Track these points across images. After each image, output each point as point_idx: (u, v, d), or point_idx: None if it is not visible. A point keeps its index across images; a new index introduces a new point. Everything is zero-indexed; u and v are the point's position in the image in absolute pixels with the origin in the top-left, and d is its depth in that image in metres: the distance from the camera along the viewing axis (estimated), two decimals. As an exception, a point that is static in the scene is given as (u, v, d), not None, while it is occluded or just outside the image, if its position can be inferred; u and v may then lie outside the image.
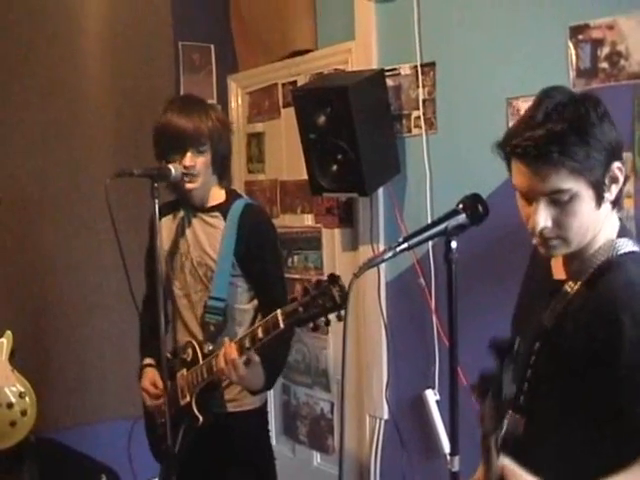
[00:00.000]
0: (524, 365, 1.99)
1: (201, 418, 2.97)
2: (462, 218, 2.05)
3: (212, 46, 5.17)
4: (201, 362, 2.98)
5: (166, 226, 3.21)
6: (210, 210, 3.12)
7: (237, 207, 3.08)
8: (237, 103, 5.22)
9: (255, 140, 5.07)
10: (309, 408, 4.70)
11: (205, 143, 3.00)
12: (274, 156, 4.92)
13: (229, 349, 2.75)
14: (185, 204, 3.17)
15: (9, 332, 3.84)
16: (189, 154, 2.98)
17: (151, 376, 3.16)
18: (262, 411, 3.24)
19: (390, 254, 1.99)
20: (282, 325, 2.60)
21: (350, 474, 4.32)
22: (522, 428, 1.99)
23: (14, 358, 3.86)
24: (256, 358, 2.79)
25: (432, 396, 3.78)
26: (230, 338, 2.82)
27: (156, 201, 2.89)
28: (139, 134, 4.59)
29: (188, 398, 3.01)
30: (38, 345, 4.45)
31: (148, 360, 3.24)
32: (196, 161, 2.99)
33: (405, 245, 1.99)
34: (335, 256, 4.42)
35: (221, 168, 3.13)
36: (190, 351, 3.05)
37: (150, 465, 3.38)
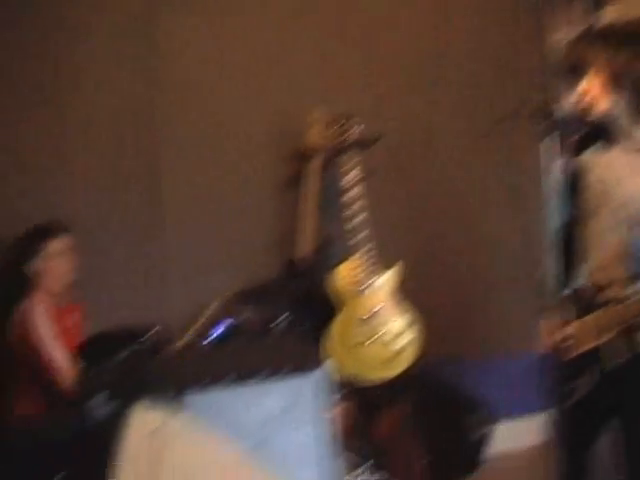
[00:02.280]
0: None
1: (618, 359, 2.89)
2: None
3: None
4: (625, 301, 2.86)
5: (592, 155, 3.04)
6: None
7: None
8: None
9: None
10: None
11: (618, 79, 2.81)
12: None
13: None
14: (612, 139, 2.99)
15: (400, 262, 3.96)
16: (585, 79, 2.84)
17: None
18: None
19: None
20: None
21: None
22: None
23: (402, 289, 4.01)
24: None
25: None
26: None
27: (547, 140, 2.85)
28: (502, 75, 4.66)
29: (607, 337, 2.92)
30: (426, 276, 4.56)
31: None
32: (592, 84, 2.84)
33: None
34: None
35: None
36: (612, 290, 2.92)
37: (521, 402, 3.36)
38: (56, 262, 3.85)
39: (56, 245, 3.86)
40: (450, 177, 4.68)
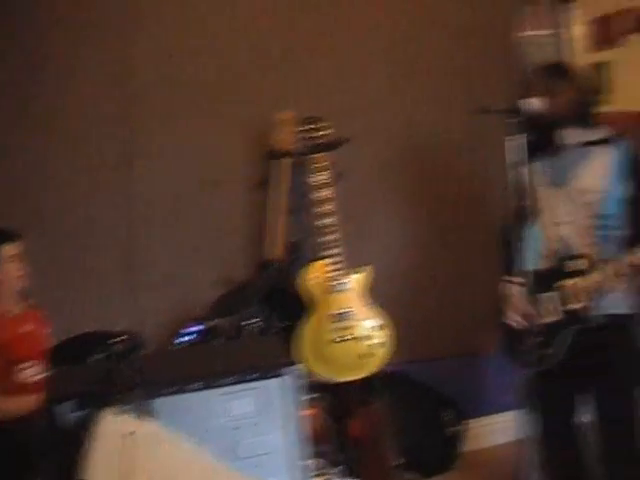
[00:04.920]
0: None
1: (599, 319, 3.26)
2: None
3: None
4: (596, 270, 3.23)
5: (542, 161, 3.43)
6: (592, 144, 3.34)
7: (622, 142, 3.36)
8: (578, 32, 5.02)
9: (600, 70, 4.86)
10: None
11: (582, 112, 3.36)
12: (622, 86, 4.68)
13: None
14: (560, 140, 3.37)
15: (367, 267, 3.98)
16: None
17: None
18: (634, 319, 3.41)
19: None
20: None
21: None
22: None
23: (371, 292, 4.01)
24: None
25: None
26: None
27: (513, 137, 3.05)
28: (475, 71, 4.76)
29: (583, 303, 3.26)
30: (394, 279, 4.64)
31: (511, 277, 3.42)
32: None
33: None
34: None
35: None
36: (581, 262, 3.28)
37: (493, 400, 3.43)
38: (8, 267, 3.84)
39: (8, 250, 3.84)
40: (428, 177, 4.76)
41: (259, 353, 2.41)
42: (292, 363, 2.21)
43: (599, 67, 4.86)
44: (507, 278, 3.38)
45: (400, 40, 4.69)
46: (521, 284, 3.33)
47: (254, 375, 2.17)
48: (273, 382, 2.19)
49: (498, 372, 3.83)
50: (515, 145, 3.07)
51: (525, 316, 3.35)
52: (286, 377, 2.20)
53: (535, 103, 3.11)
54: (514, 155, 3.08)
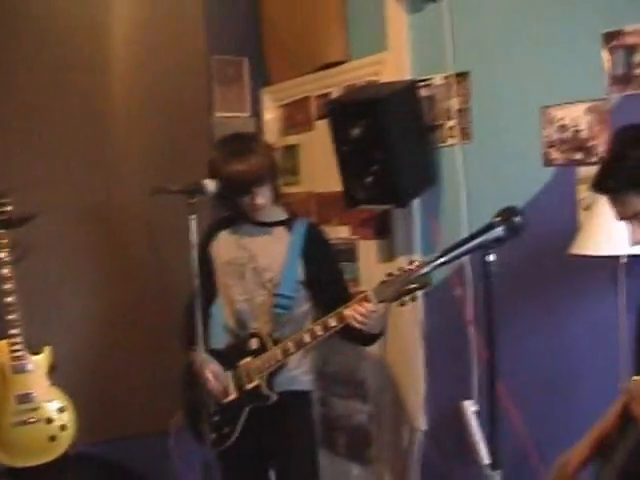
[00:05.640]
0: None
1: (274, 396, 3.36)
2: (499, 231, 2.06)
3: (245, 59, 5.18)
4: (272, 348, 3.32)
5: (224, 239, 3.57)
6: (273, 225, 3.52)
7: (301, 223, 3.53)
8: (271, 116, 5.23)
9: (289, 153, 5.08)
10: (347, 419, 4.69)
11: (267, 178, 3.37)
12: (308, 168, 4.92)
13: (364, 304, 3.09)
14: (246, 219, 3.50)
15: (48, 347, 3.89)
16: (258, 194, 3.35)
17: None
18: (312, 395, 3.62)
19: (427, 269, 2.02)
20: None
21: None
22: None
23: (54, 373, 3.91)
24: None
25: (470, 407, 3.76)
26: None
27: (194, 216, 3.08)
28: (172, 149, 4.73)
29: (257, 381, 3.35)
30: (79, 359, 4.50)
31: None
32: (265, 196, 3.38)
33: (443, 260, 2.01)
34: (371, 268, 4.41)
35: (277, 189, 3.51)
36: (256, 341, 3.38)
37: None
38: None
39: None
40: (104, 256, 4.70)
41: None
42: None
43: (288, 150, 5.09)
44: (195, 348, 3.36)
45: (97, 116, 4.65)
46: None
47: None
48: None
49: (187, 450, 3.83)
50: (195, 224, 3.10)
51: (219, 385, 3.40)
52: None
53: (209, 184, 3.15)
54: (195, 234, 3.11)
